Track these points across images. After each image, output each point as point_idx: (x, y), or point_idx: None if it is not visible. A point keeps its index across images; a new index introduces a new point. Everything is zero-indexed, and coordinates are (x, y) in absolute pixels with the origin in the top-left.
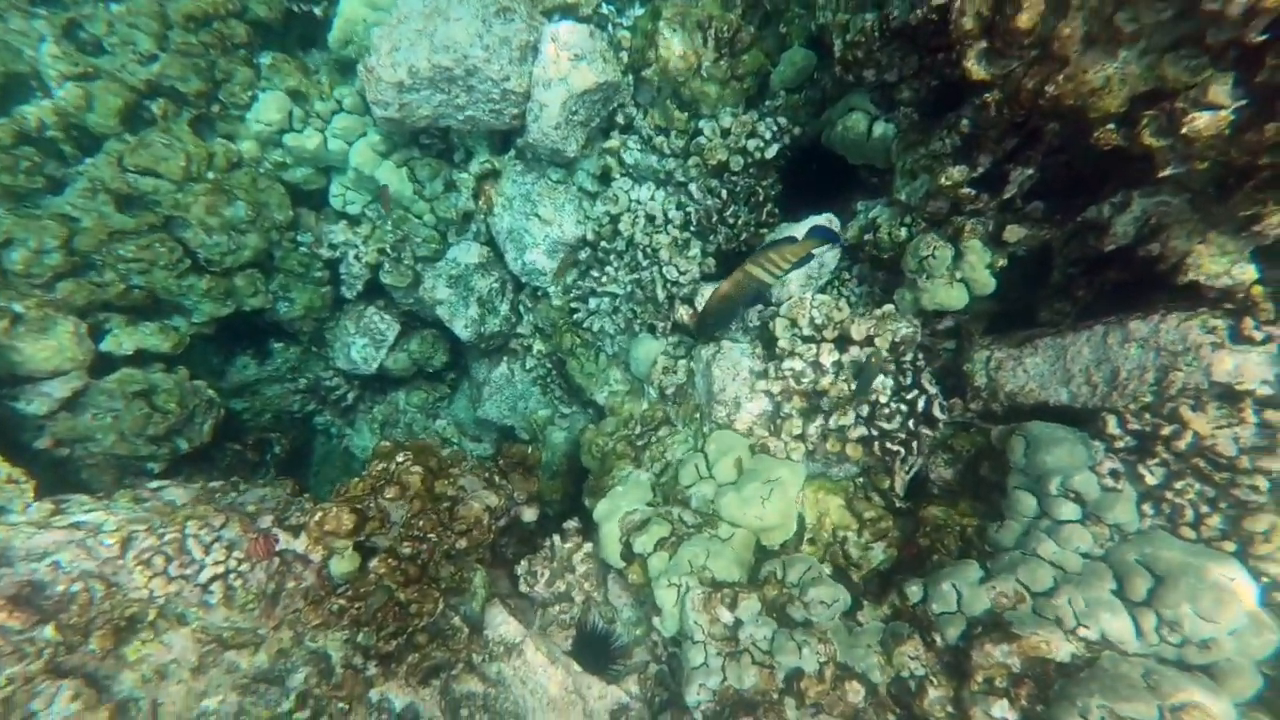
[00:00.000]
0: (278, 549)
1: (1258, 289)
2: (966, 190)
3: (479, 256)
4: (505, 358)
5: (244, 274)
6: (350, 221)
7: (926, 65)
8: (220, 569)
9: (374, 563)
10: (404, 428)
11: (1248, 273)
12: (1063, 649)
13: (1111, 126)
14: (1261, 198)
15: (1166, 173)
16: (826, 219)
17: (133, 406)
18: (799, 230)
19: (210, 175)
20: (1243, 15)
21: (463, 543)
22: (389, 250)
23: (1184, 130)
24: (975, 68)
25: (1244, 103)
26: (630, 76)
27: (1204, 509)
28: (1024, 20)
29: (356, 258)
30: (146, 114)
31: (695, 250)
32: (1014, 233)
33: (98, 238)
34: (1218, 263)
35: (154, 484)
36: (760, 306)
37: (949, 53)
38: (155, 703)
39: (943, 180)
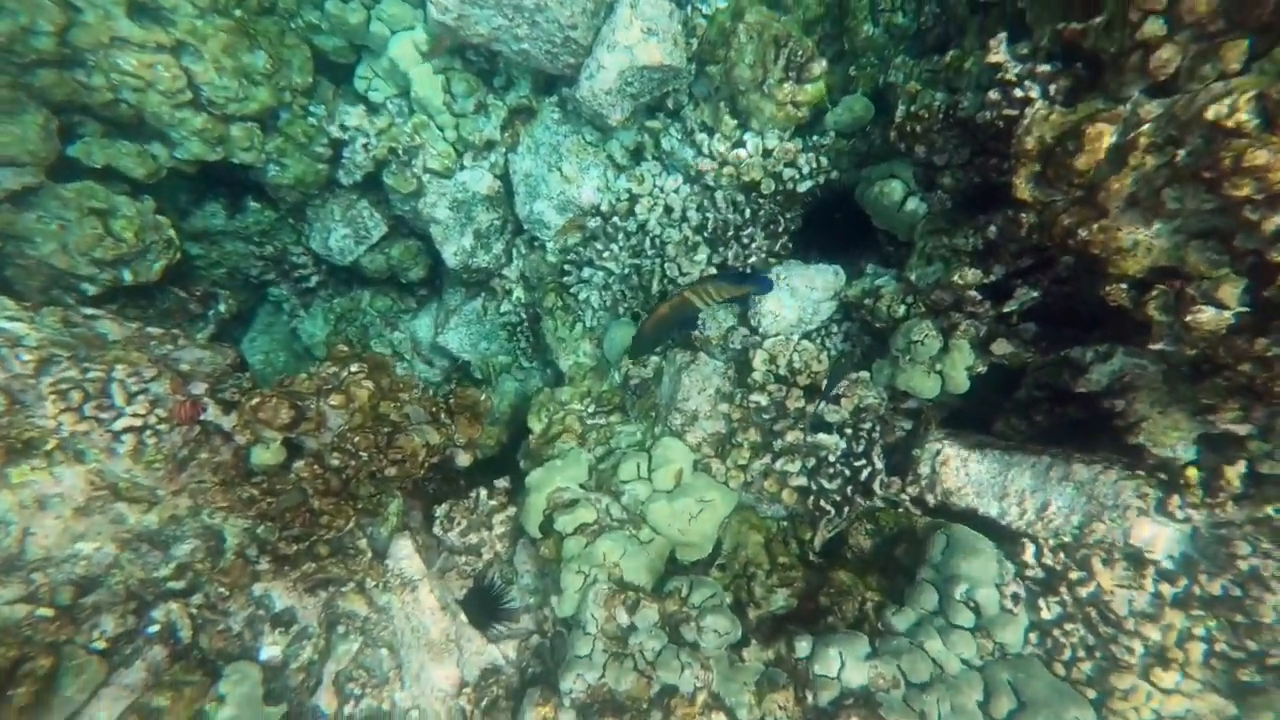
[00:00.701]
0: (202, 418)
1: (1193, 471)
2: (974, 293)
3: (489, 189)
4: (483, 294)
5: (244, 125)
6: (369, 109)
7: (976, 162)
8: (138, 422)
9: (298, 464)
10: (359, 328)
11: (1189, 452)
12: None
13: (1124, 286)
14: (1225, 395)
15: (1158, 346)
16: (834, 271)
17: (86, 223)
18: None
19: (237, 13)
20: (1274, 233)
21: (392, 470)
22: (400, 152)
23: (1188, 318)
24: (1023, 187)
25: (1246, 310)
26: (693, 65)
27: (1081, 654)
28: (1082, 162)
29: (365, 147)
30: None
31: (701, 256)
32: (1001, 346)
33: (98, 38)
34: (1168, 436)
35: (88, 310)
36: (746, 332)
37: (1002, 161)
38: (26, 530)
39: (956, 277)
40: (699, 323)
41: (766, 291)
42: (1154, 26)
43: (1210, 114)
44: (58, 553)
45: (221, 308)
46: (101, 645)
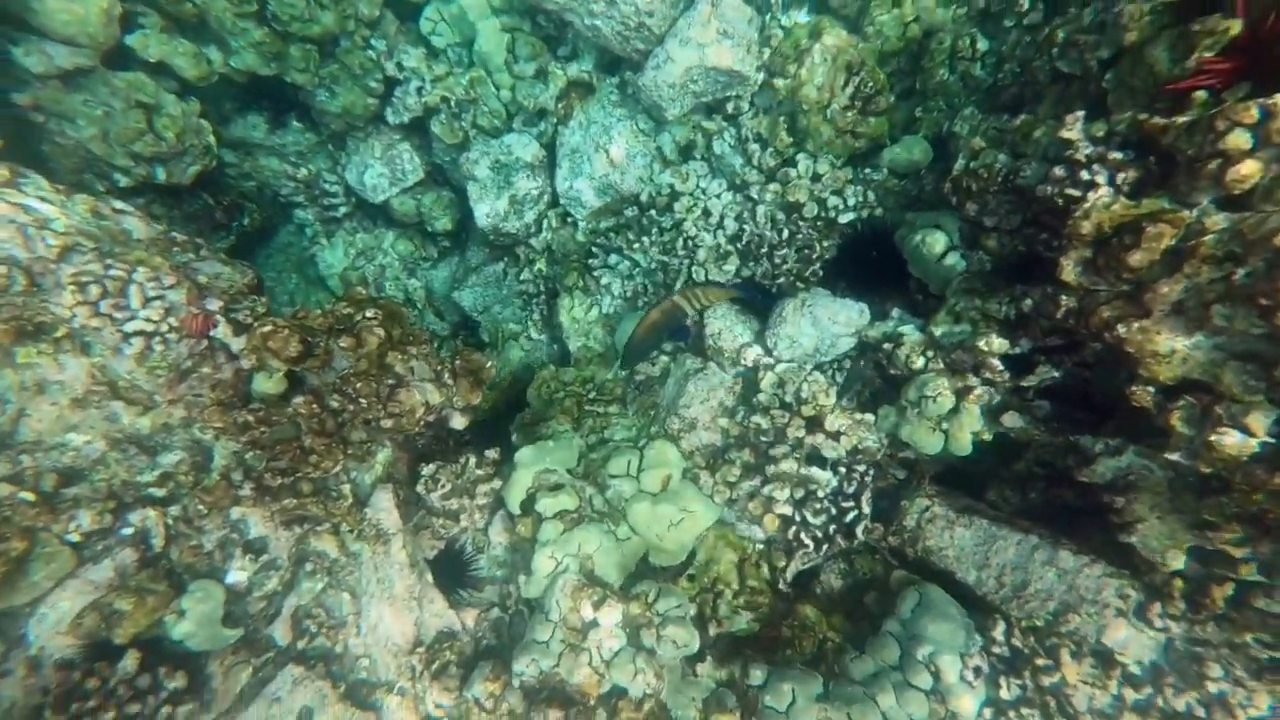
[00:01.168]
0: (211, 334)
1: (1179, 582)
2: (996, 361)
3: (533, 157)
4: (506, 258)
5: (303, 46)
6: (430, 53)
7: (1025, 231)
8: (149, 327)
9: (298, 399)
10: (377, 267)
11: (1178, 562)
12: None
13: (1152, 390)
14: (1230, 518)
15: (1174, 456)
16: (859, 308)
17: (130, 115)
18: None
19: None
20: None
21: (389, 423)
22: (453, 103)
23: (1212, 437)
24: (1070, 269)
25: (1273, 441)
26: (761, 75)
27: None
28: (1137, 259)
29: (419, 91)
30: None
31: (731, 267)
32: (1012, 419)
33: None
34: (1161, 542)
35: (117, 204)
36: (760, 351)
37: (1052, 237)
38: (22, 411)
39: (982, 343)
40: (688, 327)
41: (752, 298)
42: (1239, 139)
43: None
44: (48, 439)
45: (245, 221)
46: (75, 538)
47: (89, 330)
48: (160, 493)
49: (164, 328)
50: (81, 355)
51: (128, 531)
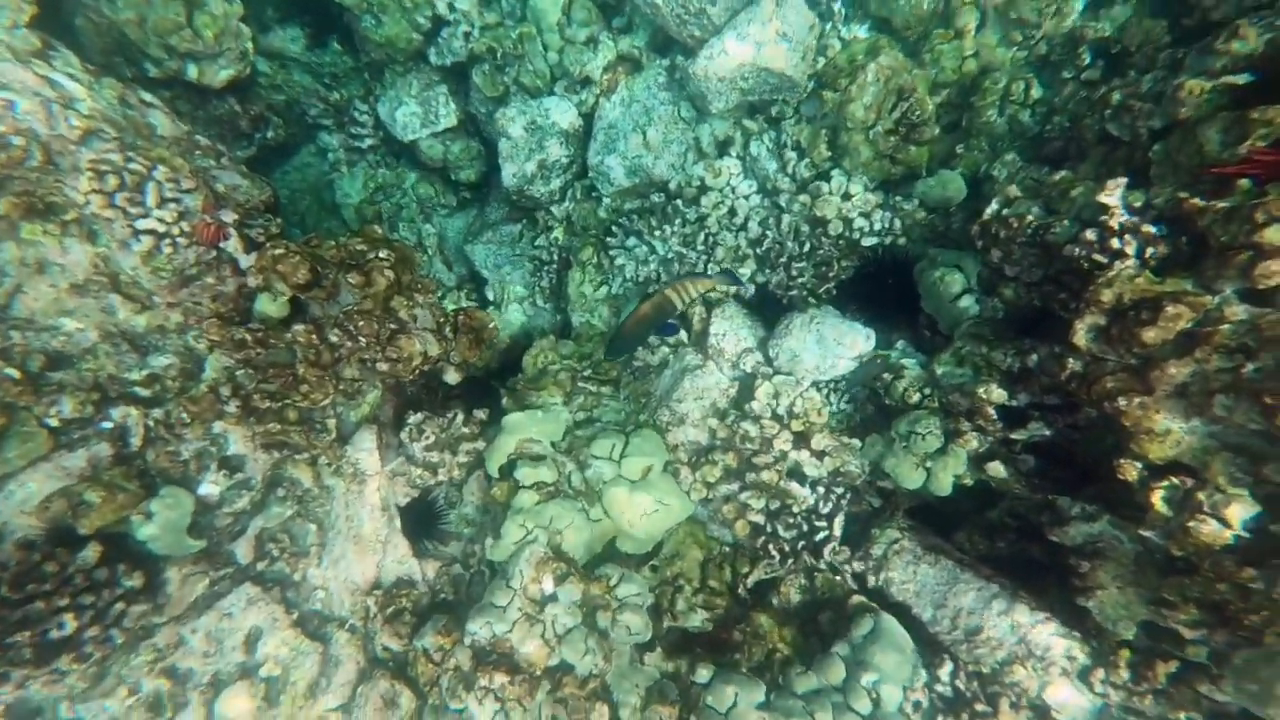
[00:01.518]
0: (222, 245)
1: (1127, 653)
2: (991, 410)
3: (569, 125)
4: (524, 220)
5: None
6: (483, 1)
7: (1044, 287)
8: (161, 228)
9: (298, 327)
10: (394, 205)
11: (1129, 633)
12: None
13: (1139, 465)
14: (1189, 600)
15: (1148, 533)
16: (866, 334)
17: (171, 6)
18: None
19: None
20: None
21: (384, 366)
22: (498, 55)
23: (1190, 522)
24: (1082, 334)
25: (1248, 535)
26: (811, 84)
27: None
28: (1150, 335)
29: (466, 36)
30: None
31: (747, 270)
32: (996, 469)
33: None
34: (1117, 611)
35: (145, 95)
36: (760, 359)
37: (1070, 299)
38: (19, 287)
39: (981, 390)
40: (675, 323)
41: (736, 285)
42: (1275, 234)
43: None
44: (41, 319)
45: (270, 134)
46: (54, 423)
47: (99, 220)
48: (145, 393)
49: (175, 231)
50: (87, 243)
51: (107, 425)
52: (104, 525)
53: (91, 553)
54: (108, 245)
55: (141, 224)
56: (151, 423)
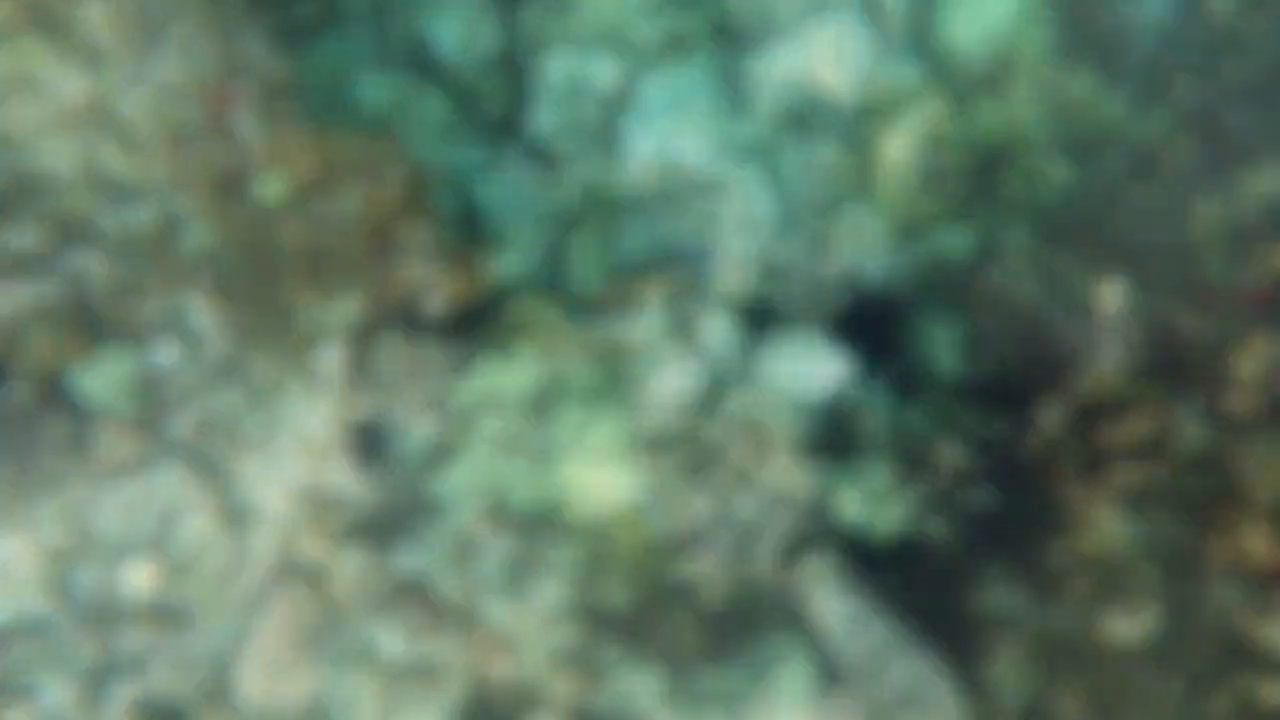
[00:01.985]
0: (232, 115)
1: None
2: (946, 467)
3: (607, 87)
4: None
5: None
6: None
7: (1025, 364)
8: (170, 79)
9: (294, 218)
10: (420, 123)
11: (1017, 706)
12: None
13: (1071, 552)
14: (1081, 691)
15: (1060, 619)
16: (844, 363)
17: None
18: None
19: None
20: None
21: (371, 281)
22: None
23: (1103, 618)
24: (1050, 418)
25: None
26: (852, 108)
27: None
28: (1111, 434)
29: None
30: None
31: (747, 274)
32: (936, 526)
33: None
34: (1013, 683)
35: None
36: (738, 366)
37: (1049, 379)
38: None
39: (944, 448)
40: None
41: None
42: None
43: None
44: (18, 139)
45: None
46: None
47: (102, 60)
48: (116, 242)
49: (186, 88)
50: (87, 72)
51: (69, 266)
52: (42, 366)
53: (23, 389)
54: (109, 81)
55: (150, 70)
56: (116, 275)
